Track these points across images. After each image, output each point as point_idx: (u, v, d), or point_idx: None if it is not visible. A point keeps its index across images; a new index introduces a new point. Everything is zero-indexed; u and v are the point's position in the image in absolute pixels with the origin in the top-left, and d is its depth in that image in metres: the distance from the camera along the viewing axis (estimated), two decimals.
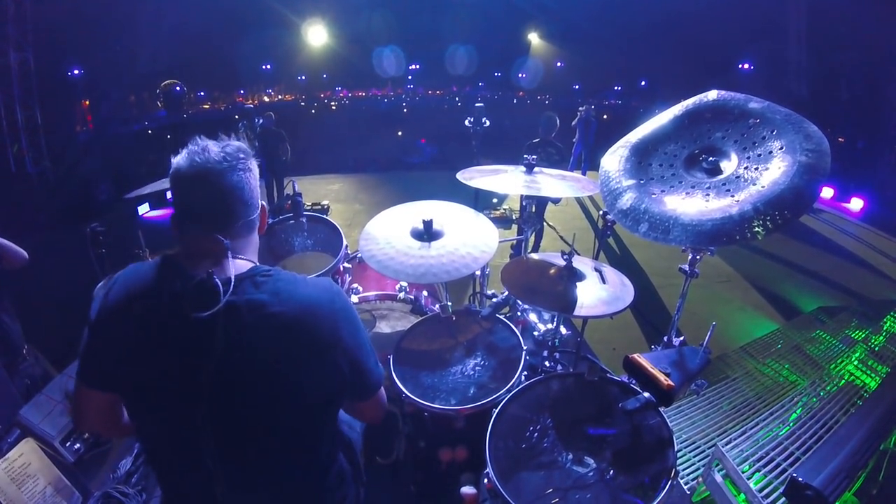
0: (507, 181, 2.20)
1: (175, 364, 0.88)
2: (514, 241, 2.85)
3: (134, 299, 0.91)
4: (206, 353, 0.86)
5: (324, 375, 0.95)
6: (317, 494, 1.07)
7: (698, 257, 1.75)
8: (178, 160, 0.93)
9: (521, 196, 2.65)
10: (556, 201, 4.29)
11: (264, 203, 1.05)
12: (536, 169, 2.26)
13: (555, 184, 2.18)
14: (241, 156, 0.96)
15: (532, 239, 3.82)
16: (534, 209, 2.46)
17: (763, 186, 1.38)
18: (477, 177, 2.23)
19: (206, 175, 0.91)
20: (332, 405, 1.04)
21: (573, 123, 8.62)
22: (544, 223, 2.45)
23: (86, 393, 0.97)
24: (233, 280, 0.89)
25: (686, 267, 1.79)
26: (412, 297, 2.35)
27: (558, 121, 4.88)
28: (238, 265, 0.95)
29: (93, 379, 0.96)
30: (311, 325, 0.92)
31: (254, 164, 1.00)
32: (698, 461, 2.01)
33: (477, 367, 1.84)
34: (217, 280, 0.87)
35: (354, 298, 2.34)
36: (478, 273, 2.40)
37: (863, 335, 2.82)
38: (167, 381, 0.89)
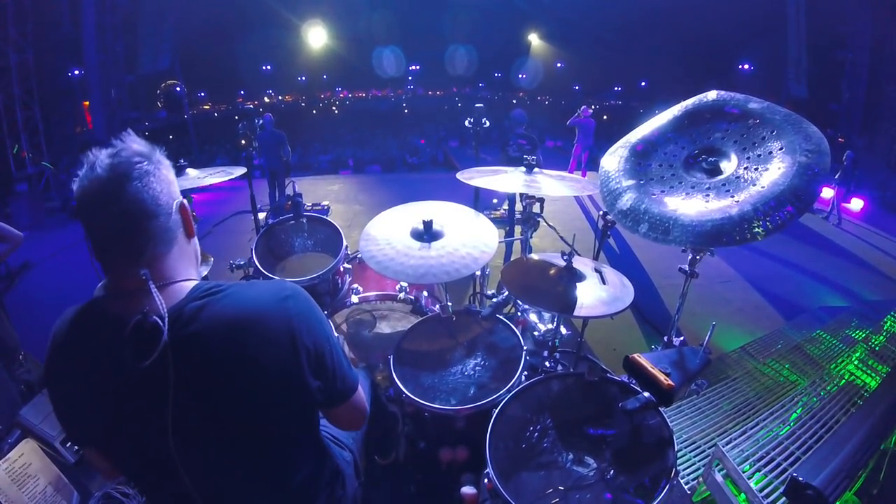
0: (506, 181, 2.20)
1: (132, 409, 0.85)
2: (517, 241, 2.86)
3: (72, 356, 0.86)
4: (160, 394, 0.81)
5: (287, 385, 0.89)
6: (307, 500, 1.06)
7: (698, 257, 1.75)
8: (75, 185, 0.83)
9: (522, 197, 2.66)
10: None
11: (181, 200, 0.92)
12: (536, 169, 2.26)
13: (554, 184, 2.18)
14: (136, 160, 0.84)
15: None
16: (521, 207, 2.48)
17: (763, 187, 1.38)
18: (477, 176, 2.24)
19: (98, 197, 0.81)
20: (305, 414, 1.00)
21: (568, 123, 8.68)
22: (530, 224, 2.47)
23: (85, 451, 0.98)
24: (166, 316, 0.80)
25: (686, 267, 1.79)
26: (412, 297, 2.36)
27: (526, 115, 5.38)
28: (173, 292, 0.86)
29: (76, 439, 0.96)
30: (260, 338, 0.85)
31: (155, 159, 0.88)
32: (698, 461, 2.00)
33: (477, 368, 1.84)
34: (154, 318, 0.79)
35: (355, 298, 2.35)
36: (478, 273, 2.40)
37: (863, 335, 2.82)
38: (129, 426, 0.87)
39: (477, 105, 3.18)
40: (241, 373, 0.85)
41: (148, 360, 0.77)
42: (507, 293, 2.04)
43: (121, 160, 0.83)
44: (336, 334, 1.05)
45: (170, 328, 0.80)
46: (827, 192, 8.02)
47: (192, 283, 0.89)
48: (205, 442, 0.87)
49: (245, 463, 0.92)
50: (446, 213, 2.09)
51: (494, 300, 2.07)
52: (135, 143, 0.87)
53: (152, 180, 0.85)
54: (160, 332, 0.78)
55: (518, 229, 2.86)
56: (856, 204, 7.85)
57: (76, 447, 0.98)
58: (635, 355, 1.35)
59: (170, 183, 0.90)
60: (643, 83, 22.33)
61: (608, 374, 1.65)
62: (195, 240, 0.98)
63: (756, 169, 1.45)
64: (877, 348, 2.41)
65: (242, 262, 2.53)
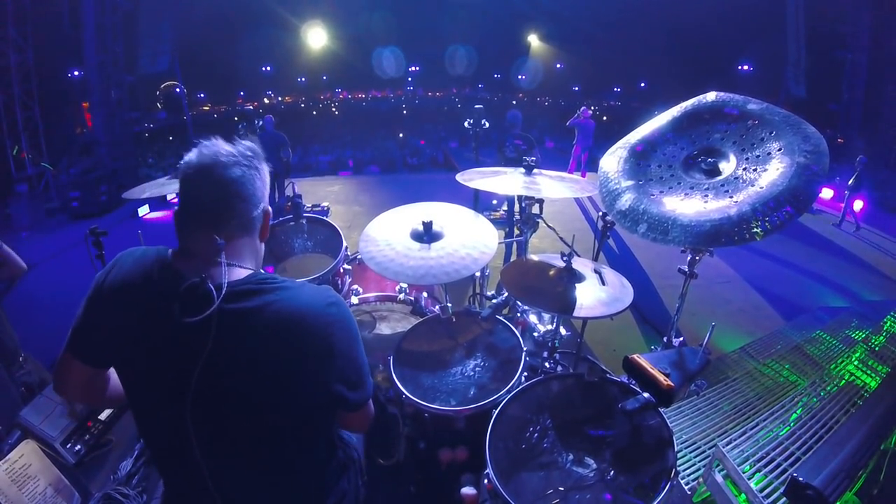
0: (506, 182, 2.21)
1: (161, 359, 0.89)
2: (515, 242, 2.86)
3: (129, 287, 0.92)
4: (192, 355, 0.86)
5: (313, 384, 0.94)
6: (314, 492, 1.08)
7: (697, 258, 1.75)
8: (190, 154, 0.95)
9: (521, 198, 2.66)
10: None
11: (269, 207, 1.02)
12: (536, 170, 2.26)
13: (553, 185, 2.18)
14: (250, 154, 0.97)
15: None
16: (518, 209, 2.48)
17: (761, 187, 1.38)
18: (476, 178, 2.24)
19: (209, 167, 0.92)
20: (323, 412, 1.03)
21: (568, 124, 8.72)
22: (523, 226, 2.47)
23: (69, 361, 0.99)
24: (225, 287, 0.87)
25: (685, 268, 1.80)
26: (412, 298, 2.36)
27: (521, 116, 5.39)
28: (233, 271, 0.93)
29: (78, 350, 0.98)
30: (300, 334, 0.91)
31: (263, 166, 1.00)
32: (699, 461, 2.01)
33: (477, 368, 1.84)
34: (210, 286, 0.86)
35: (354, 300, 2.35)
36: (477, 274, 2.40)
37: (863, 335, 2.82)
38: (153, 373, 0.91)
39: (476, 106, 3.19)
40: (273, 361, 0.89)
41: (195, 318, 0.83)
42: (506, 294, 2.04)
43: (239, 150, 0.96)
44: None
45: (221, 301, 0.86)
46: (827, 193, 8.01)
47: (250, 271, 0.97)
48: (221, 416, 0.90)
49: (257, 445, 0.94)
50: (446, 215, 2.09)
51: (494, 301, 2.07)
52: (249, 143, 1.00)
53: (254, 174, 0.97)
54: (211, 299, 0.85)
55: (517, 230, 2.86)
56: (855, 204, 7.85)
57: (67, 352, 0.98)
58: (635, 356, 1.35)
59: (265, 186, 1.01)
60: (642, 84, 22.37)
61: (608, 375, 1.65)
62: (263, 245, 1.07)
63: (755, 170, 1.45)
64: (877, 349, 2.41)
65: None
